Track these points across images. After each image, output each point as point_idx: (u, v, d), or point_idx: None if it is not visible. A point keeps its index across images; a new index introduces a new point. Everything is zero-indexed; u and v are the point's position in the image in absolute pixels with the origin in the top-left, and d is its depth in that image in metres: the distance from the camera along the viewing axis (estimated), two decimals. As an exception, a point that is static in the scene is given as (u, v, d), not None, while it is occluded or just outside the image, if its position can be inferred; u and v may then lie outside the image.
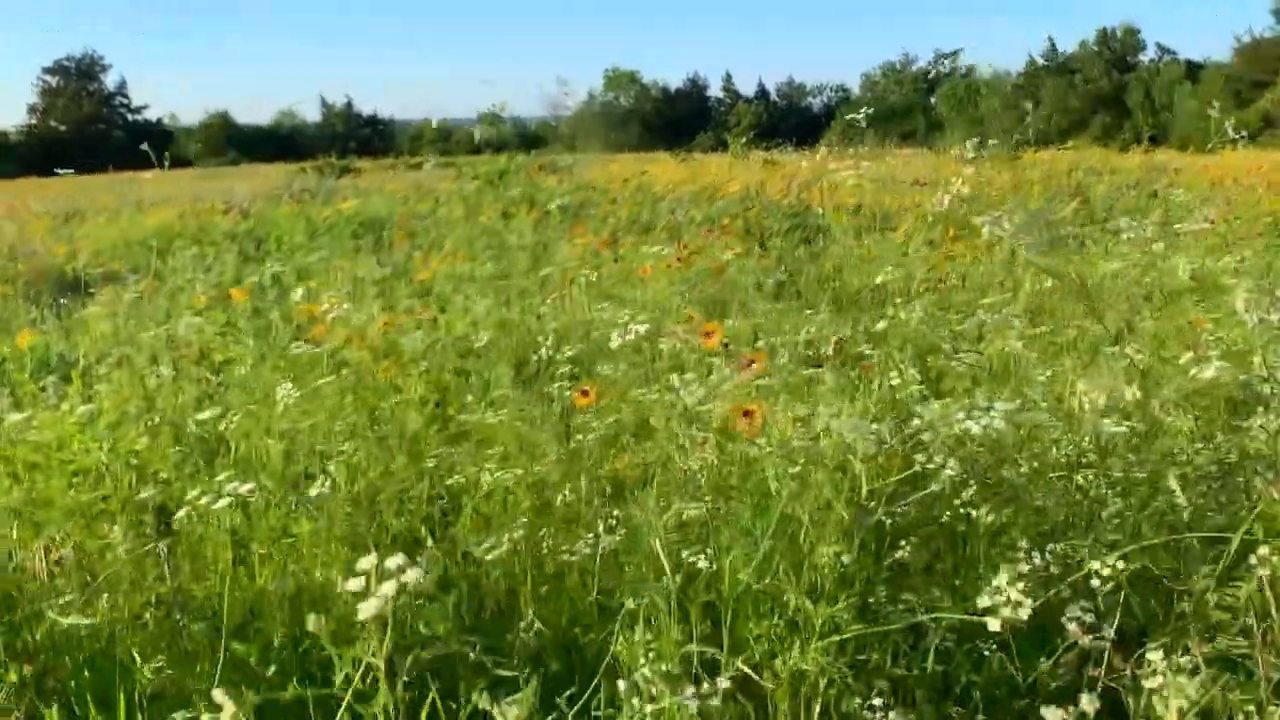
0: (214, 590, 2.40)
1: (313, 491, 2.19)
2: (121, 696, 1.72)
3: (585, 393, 2.88)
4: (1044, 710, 1.31)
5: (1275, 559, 1.49)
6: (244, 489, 1.69)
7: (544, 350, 2.89)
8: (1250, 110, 39.65)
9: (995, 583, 1.36)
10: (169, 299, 7.05)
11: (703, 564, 1.68)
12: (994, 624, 1.34)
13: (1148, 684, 1.39)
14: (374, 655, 1.30)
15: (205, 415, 2.90)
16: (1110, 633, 1.46)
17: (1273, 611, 1.41)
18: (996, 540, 1.87)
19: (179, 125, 62.39)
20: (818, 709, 1.61)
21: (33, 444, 3.49)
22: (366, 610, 1.24)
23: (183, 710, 1.43)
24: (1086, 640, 1.45)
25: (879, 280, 2.99)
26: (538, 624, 1.97)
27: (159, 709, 1.78)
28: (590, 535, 1.97)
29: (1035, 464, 1.87)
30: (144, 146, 4.49)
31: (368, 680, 1.37)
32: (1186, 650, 1.53)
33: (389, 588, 1.24)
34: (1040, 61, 55.16)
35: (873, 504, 1.79)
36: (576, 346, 3.54)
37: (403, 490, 2.69)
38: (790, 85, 68.16)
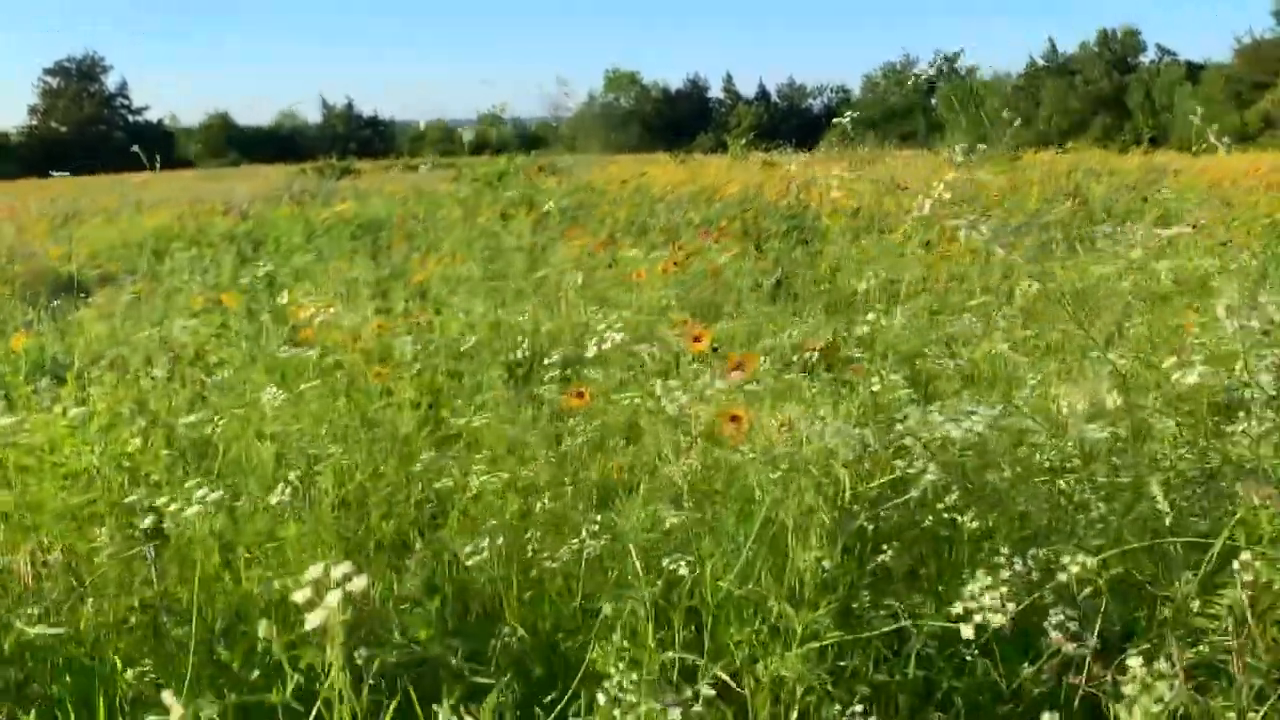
0: (199, 594, 2.39)
1: (273, 499, 2.17)
2: (102, 701, 1.72)
3: (581, 394, 2.88)
4: None
5: (1258, 565, 1.48)
6: (212, 496, 1.68)
7: (522, 353, 2.88)
8: (1251, 111, 39.64)
9: (969, 589, 1.35)
10: (165, 301, 7.05)
11: (684, 571, 1.67)
12: (967, 631, 1.33)
13: (1127, 690, 1.38)
14: (338, 661, 1.29)
15: (190, 419, 2.88)
16: (1092, 639, 1.45)
17: (1249, 618, 1.41)
18: (980, 545, 1.87)
19: (179, 126, 62.46)
20: (796, 715, 1.60)
21: (24, 447, 3.49)
22: (313, 620, 1.23)
23: (156, 714, 1.41)
24: (1068, 647, 1.44)
25: (870, 283, 2.97)
26: (520, 630, 1.97)
27: (140, 713, 1.78)
28: (575, 540, 1.96)
29: (1018, 469, 1.86)
30: (135, 148, 4.48)
31: (336, 684, 1.36)
32: (1169, 656, 1.52)
33: (335, 598, 1.23)
34: (1040, 63, 55.15)
35: (855, 509, 1.78)
36: (566, 349, 3.54)
37: (390, 494, 2.68)
38: (791, 86, 68.16)
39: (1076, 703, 1.54)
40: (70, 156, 38.98)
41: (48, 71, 60.38)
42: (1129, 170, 14.67)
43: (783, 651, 1.63)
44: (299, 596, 1.26)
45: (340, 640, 1.26)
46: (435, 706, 1.46)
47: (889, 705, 1.71)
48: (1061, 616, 1.48)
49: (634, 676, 1.35)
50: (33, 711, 1.70)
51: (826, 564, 1.63)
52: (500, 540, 2.12)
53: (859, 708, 1.58)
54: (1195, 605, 1.54)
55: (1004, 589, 1.39)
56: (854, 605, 1.86)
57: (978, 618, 1.32)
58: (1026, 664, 1.63)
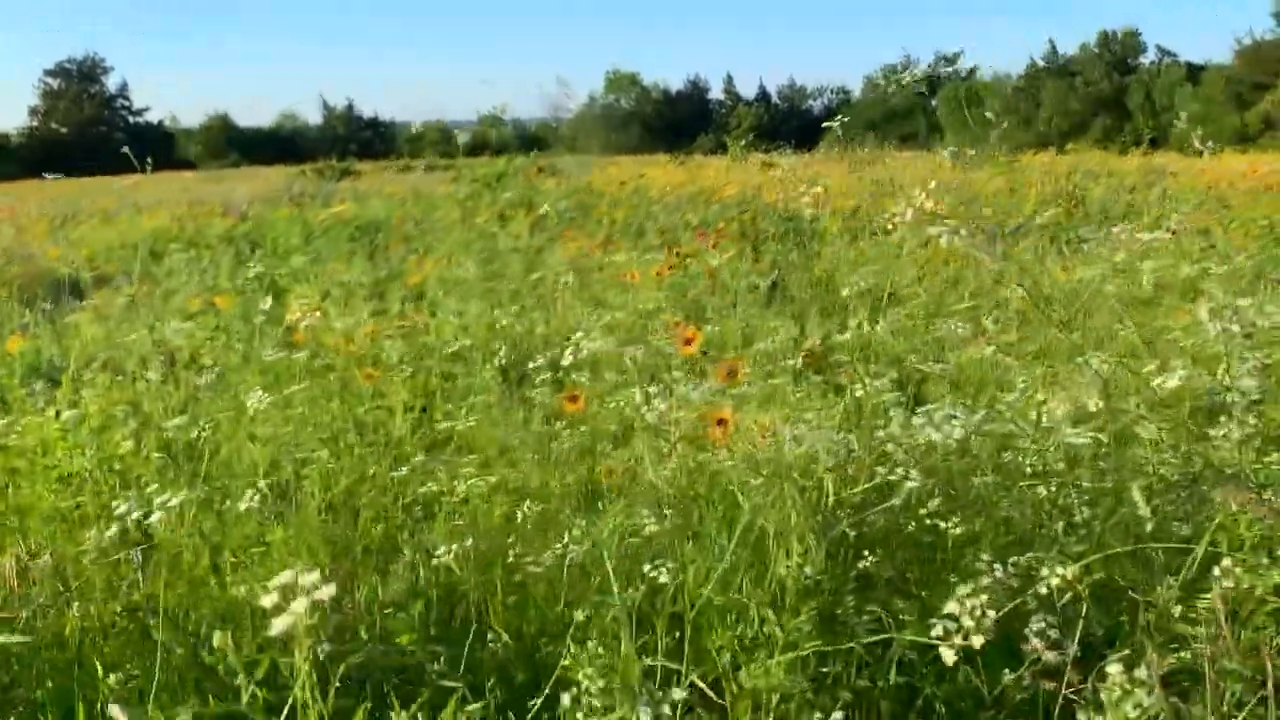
0: (186, 598, 2.39)
1: (242, 505, 2.17)
2: (81, 706, 1.71)
3: (574, 399, 2.87)
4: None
5: (1238, 571, 1.48)
6: (172, 501, 1.68)
7: (515, 355, 2.87)
8: (1251, 113, 39.63)
9: (949, 607, 1.35)
10: (162, 303, 7.05)
11: (664, 578, 1.66)
12: (948, 655, 1.33)
13: (1105, 697, 1.38)
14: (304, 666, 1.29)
15: (175, 422, 2.88)
16: (1071, 647, 1.45)
17: (1223, 623, 1.40)
18: (964, 551, 1.86)
19: (180, 127, 62.49)
20: (774, 721, 1.60)
21: (16, 449, 3.49)
22: (279, 626, 1.23)
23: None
24: (1047, 655, 1.44)
25: (859, 286, 2.97)
26: (505, 635, 1.96)
27: (120, 720, 1.77)
28: (558, 545, 1.96)
29: (1000, 475, 1.85)
30: (124, 150, 4.47)
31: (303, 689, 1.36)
32: (1149, 663, 1.52)
33: (301, 605, 1.23)
34: (1040, 64, 55.14)
35: (838, 515, 1.78)
36: (556, 352, 3.53)
37: (376, 497, 2.68)
38: (791, 88, 68.17)
39: (1057, 710, 1.53)
40: (71, 158, 39.00)
41: (48, 73, 60.48)
42: (1128, 172, 14.65)
43: (764, 658, 1.62)
44: (266, 602, 1.26)
45: (306, 645, 1.25)
46: (404, 712, 1.46)
47: (871, 711, 1.71)
48: (1042, 624, 1.47)
49: (601, 684, 1.34)
50: (12, 716, 1.70)
51: (808, 570, 1.62)
52: (484, 544, 2.12)
53: (840, 714, 1.58)
54: (1177, 611, 1.54)
55: (984, 598, 1.38)
56: (838, 611, 1.85)
57: (958, 639, 1.31)
58: (1008, 670, 1.62)
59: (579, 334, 2.04)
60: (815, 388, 2.88)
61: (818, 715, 1.58)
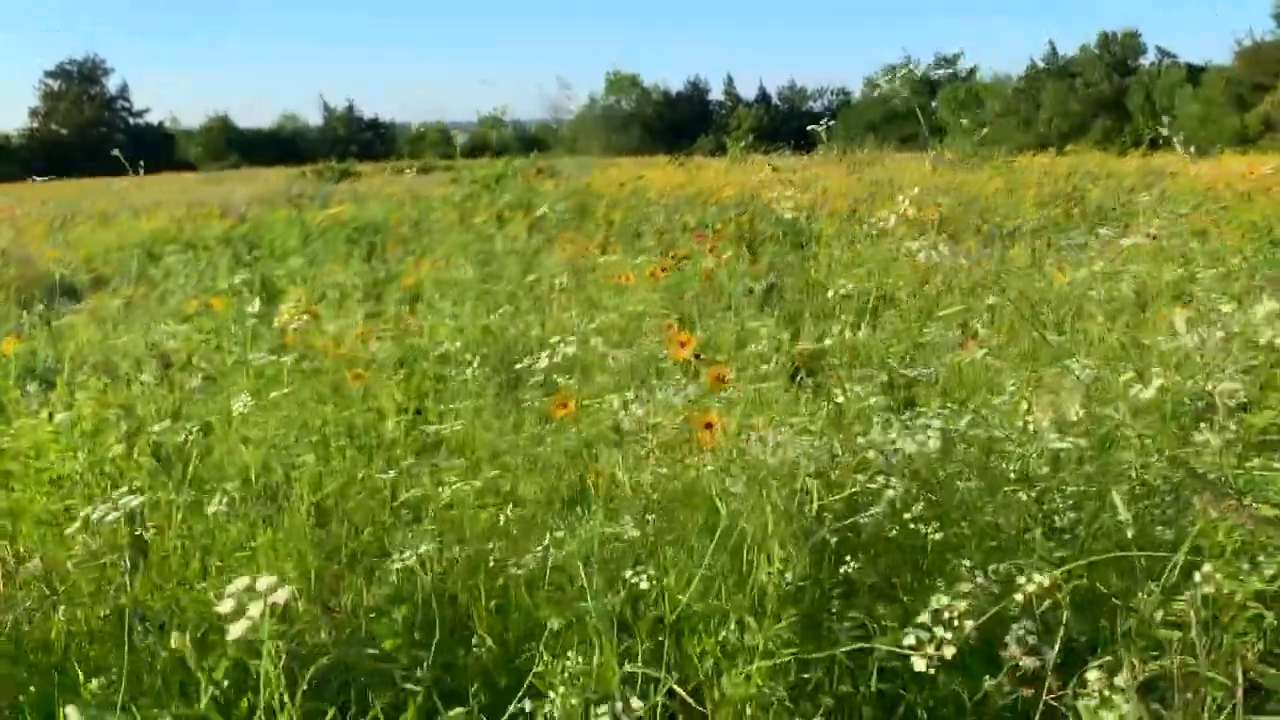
0: (172, 601, 2.38)
1: (210, 509, 2.17)
2: (60, 712, 1.71)
3: (565, 404, 2.87)
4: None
5: (1218, 577, 1.47)
6: (135, 502, 1.67)
7: (508, 358, 2.87)
8: (1251, 114, 39.61)
9: (922, 617, 1.34)
10: (159, 304, 7.06)
11: (645, 584, 1.66)
12: (919, 664, 1.33)
13: (1083, 706, 1.37)
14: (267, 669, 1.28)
15: (160, 426, 2.88)
16: (1050, 654, 1.44)
17: (1193, 631, 1.40)
18: (950, 557, 1.86)
19: (180, 129, 62.49)
20: (755, 728, 1.59)
21: (9, 452, 3.49)
22: (235, 631, 1.23)
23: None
24: (1025, 661, 1.43)
25: (847, 289, 2.96)
26: (489, 641, 1.96)
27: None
28: (539, 549, 1.96)
29: (985, 480, 1.85)
30: (115, 153, 4.47)
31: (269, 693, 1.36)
32: (1130, 669, 1.52)
33: (257, 609, 1.23)
34: (1040, 65, 55.12)
35: (821, 520, 1.78)
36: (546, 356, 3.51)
37: (364, 500, 2.68)
38: (792, 89, 68.16)
39: (1038, 716, 1.53)
40: (71, 159, 39.02)
41: (49, 74, 60.53)
42: (1127, 173, 14.64)
43: (744, 665, 1.62)
44: (223, 607, 1.26)
45: (274, 649, 1.25)
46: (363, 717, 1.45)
47: (853, 717, 1.70)
48: (1022, 631, 1.47)
49: (575, 701, 1.34)
50: (-9, 722, 1.70)
51: (788, 576, 1.62)
52: (470, 549, 2.11)
53: (820, 720, 1.58)
54: (1158, 617, 1.54)
55: (963, 605, 1.38)
56: (821, 617, 1.85)
57: (930, 648, 1.31)
58: (989, 677, 1.62)
59: (555, 338, 2.03)
60: (804, 391, 2.87)
61: (799, 721, 1.58)
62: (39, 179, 18.30)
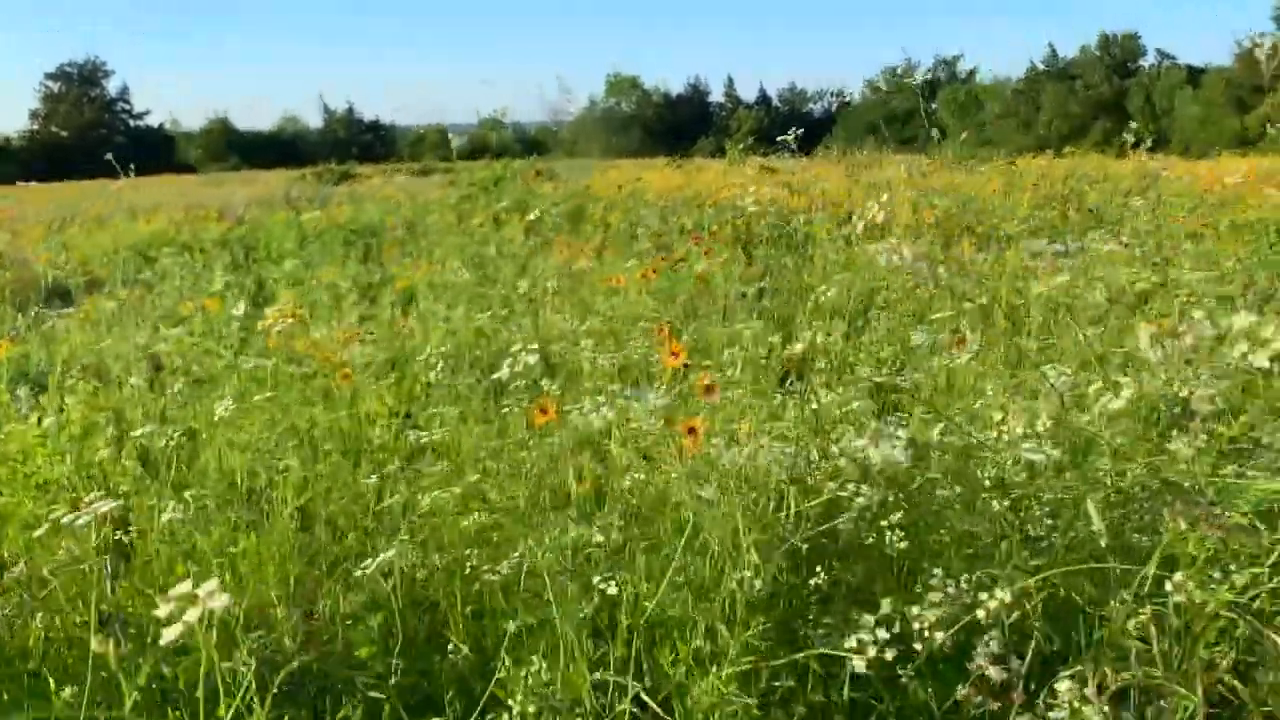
0: (151, 607, 2.37)
1: (165, 516, 2.16)
2: (30, 721, 1.70)
3: (544, 410, 2.86)
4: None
5: (1190, 586, 1.46)
6: (106, 507, 1.67)
7: (499, 361, 2.85)
8: (1251, 115, 39.59)
9: (864, 620, 1.34)
10: (154, 307, 7.05)
11: (613, 590, 1.65)
12: (859, 664, 1.32)
13: (1054, 716, 1.37)
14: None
15: (142, 431, 2.88)
16: (1016, 664, 1.44)
17: (1154, 641, 1.39)
18: (930, 563, 1.85)
19: (180, 130, 62.52)
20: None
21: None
22: (168, 636, 1.22)
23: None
24: (992, 671, 1.43)
25: (832, 294, 2.95)
26: (465, 648, 1.95)
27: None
28: (515, 555, 1.95)
29: (963, 486, 1.84)
30: (108, 157, 4.48)
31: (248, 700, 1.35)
32: (1101, 679, 1.51)
33: (194, 614, 1.23)
34: (1040, 67, 55.12)
35: (795, 526, 1.77)
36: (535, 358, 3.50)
37: (346, 505, 2.67)
38: (792, 91, 68.21)
39: (1010, 725, 1.52)
40: (71, 161, 39.08)
41: (49, 76, 60.61)
42: (1125, 175, 14.63)
43: (717, 672, 1.61)
44: (160, 611, 1.26)
45: (214, 655, 1.24)
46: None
47: (825, 726, 1.69)
48: (990, 641, 1.46)
49: (531, 709, 1.33)
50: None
51: (757, 584, 1.61)
52: (448, 556, 2.11)
53: (792, 729, 1.57)
54: (1131, 626, 1.53)
55: (932, 616, 1.37)
56: (797, 624, 1.84)
57: (872, 651, 1.31)
58: (961, 686, 1.61)
59: (517, 346, 2.02)
60: (792, 396, 2.86)
61: (770, 730, 1.57)
62: (23, 183, 18.33)
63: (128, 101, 61.95)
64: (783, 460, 1.63)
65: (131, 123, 61.66)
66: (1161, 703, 1.53)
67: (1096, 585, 1.66)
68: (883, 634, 1.34)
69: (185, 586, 1.28)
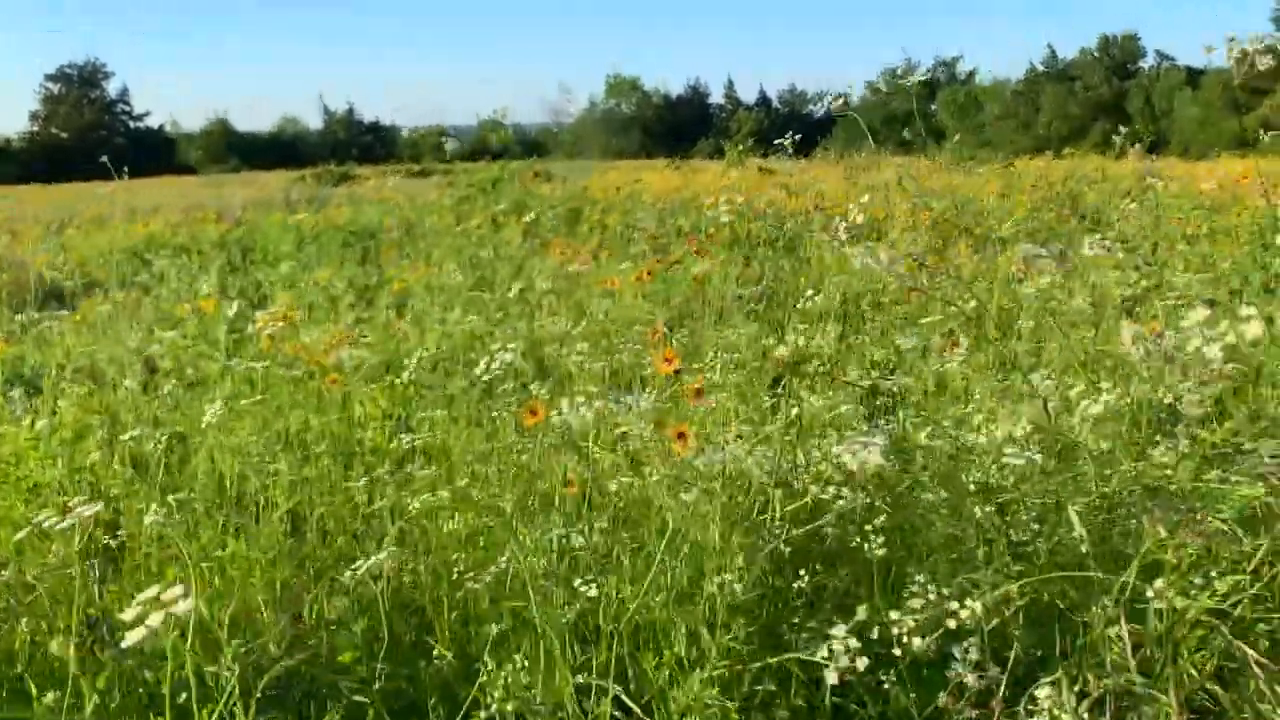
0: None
1: (147, 519, 2.15)
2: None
3: (534, 412, 2.86)
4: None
5: (1170, 593, 1.46)
6: (89, 512, 1.66)
7: (491, 363, 2.84)
8: (1250, 117, 39.59)
9: (833, 631, 1.34)
10: (152, 309, 7.05)
11: (594, 593, 1.65)
12: (831, 676, 1.32)
13: (1033, 722, 1.36)
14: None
15: (130, 435, 2.88)
16: (996, 671, 1.43)
17: (1127, 649, 1.38)
18: (909, 570, 1.84)
19: (181, 132, 62.53)
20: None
21: (-11, 459, 3.48)
22: (130, 639, 1.22)
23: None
24: (970, 679, 1.42)
25: (817, 299, 2.93)
26: (449, 654, 1.95)
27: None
28: (501, 560, 1.95)
29: (944, 491, 1.84)
30: (103, 159, 4.48)
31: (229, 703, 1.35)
32: (1082, 685, 1.51)
33: (157, 619, 1.23)
34: (1040, 68, 55.14)
35: (778, 531, 1.77)
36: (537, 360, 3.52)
37: (338, 509, 2.67)
38: (792, 92, 68.25)
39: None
40: (72, 162, 39.08)
41: (49, 77, 60.64)
42: (1123, 176, 14.62)
43: (698, 676, 1.61)
44: (126, 615, 1.26)
45: (186, 659, 1.24)
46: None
47: (808, 731, 1.69)
48: (969, 647, 1.46)
49: (509, 707, 1.33)
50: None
51: (737, 588, 1.60)
52: (434, 559, 2.10)
53: (774, 735, 1.56)
54: (1113, 633, 1.52)
55: (910, 622, 1.37)
56: (781, 628, 1.84)
57: (844, 660, 1.31)
58: (943, 692, 1.60)
59: (495, 346, 2.02)
60: (784, 398, 2.85)
61: (752, 735, 1.57)
62: (12, 186, 18.37)
63: (128, 103, 62.02)
64: (763, 464, 1.63)
65: (131, 124, 61.70)
66: (1145, 708, 1.52)
67: (1079, 591, 1.65)
68: (854, 643, 1.34)
69: (154, 590, 1.28)
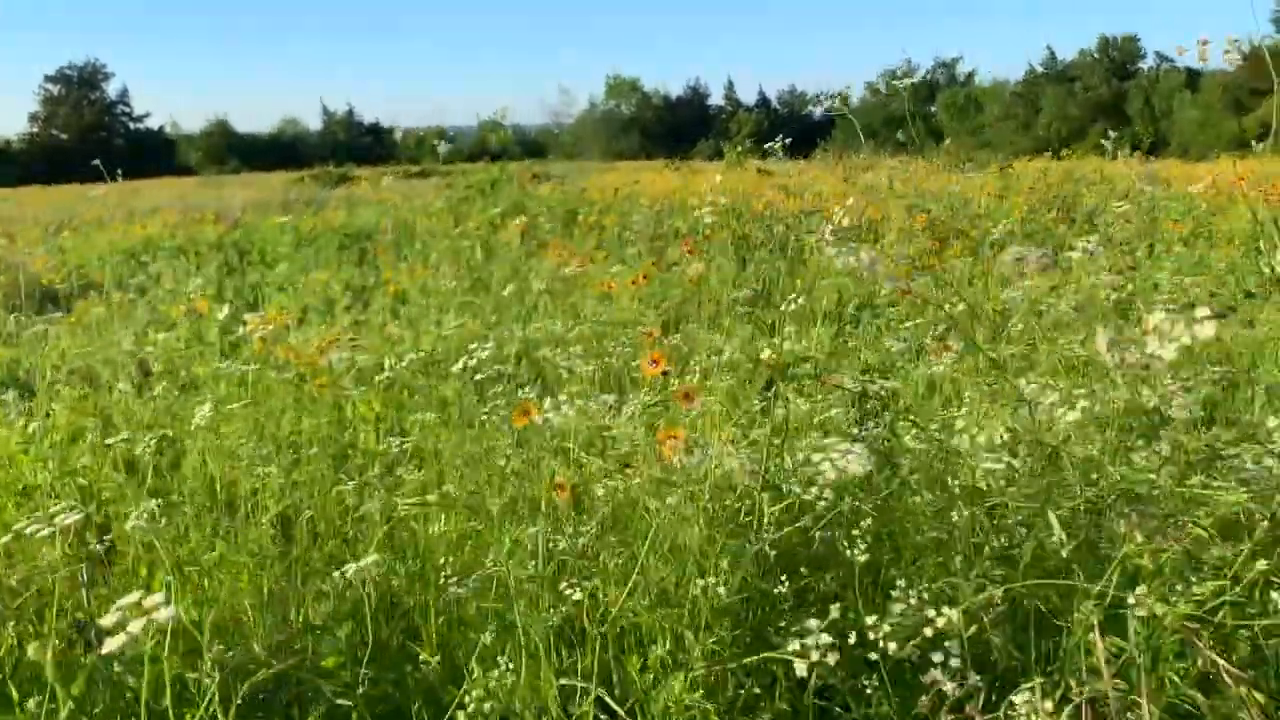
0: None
1: (128, 523, 2.15)
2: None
3: (526, 413, 2.86)
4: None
5: (1150, 599, 1.46)
6: (69, 520, 1.66)
7: (484, 365, 2.84)
8: (1250, 118, 39.59)
9: (806, 625, 1.34)
10: (146, 312, 7.05)
11: (578, 596, 1.65)
12: (801, 668, 1.32)
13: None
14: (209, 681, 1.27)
15: (119, 438, 2.87)
16: (974, 677, 1.43)
17: (1099, 655, 1.38)
18: (894, 572, 1.84)
19: (181, 133, 62.55)
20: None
21: (-19, 462, 3.48)
22: (110, 646, 1.22)
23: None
24: (947, 686, 1.42)
25: (800, 301, 2.92)
26: (434, 659, 1.95)
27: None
28: (489, 563, 1.94)
29: (931, 495, 1.84)
30: (96, 162, 4.49)
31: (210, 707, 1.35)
32: (1064, 692, 1.50)
33: (138, 625, 1.23)
34: (1039, 69, 55.16)
35: (763, 534, 1.77)
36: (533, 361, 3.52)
37: (328, 511, 2.67)
38: (792, 94, 68.27)
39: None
40: (72, 164, 39.08)
41: (49, 79, 60.66)
42: (1120, 178, 14.61)
43: (680, 678, 1.61)
44: (106, 620, 1.26)
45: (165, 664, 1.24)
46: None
47: (791, 735, 1.69)
48: (950, 656, 1.45)
49: (487, 706, 1.33)
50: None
51: (721, 590, 1.60)
52: (419, 563, 2.10)
53: (756, 739, 1.56)
54: (1093, 639, 1.52)
55: (887, 627, 1.37)
56: (768, 631, 1.84)
57: (815, 654, 1.31)
58: (925, 696, 1.60)
59: (474, 346, 2.02)
60: (777, 401, 2.84)
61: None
62: (12, 188, 18.42)
63: (127, 104, 62.06)
64: (745, 466, 1.63)
65: (131, 125, 61.75)
66: (1129, 714, 1.52)
67: (1062, 596, 1.65)
68: (826, 638, 1.34)
69: (134, 596, 1.28)
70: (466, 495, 2.45)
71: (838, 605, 1.42)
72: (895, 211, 10.34)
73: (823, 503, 1.64)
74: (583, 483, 2.05)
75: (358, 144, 60.72)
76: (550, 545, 1.82)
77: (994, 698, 1.55)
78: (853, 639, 1.47)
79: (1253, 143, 2.28)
